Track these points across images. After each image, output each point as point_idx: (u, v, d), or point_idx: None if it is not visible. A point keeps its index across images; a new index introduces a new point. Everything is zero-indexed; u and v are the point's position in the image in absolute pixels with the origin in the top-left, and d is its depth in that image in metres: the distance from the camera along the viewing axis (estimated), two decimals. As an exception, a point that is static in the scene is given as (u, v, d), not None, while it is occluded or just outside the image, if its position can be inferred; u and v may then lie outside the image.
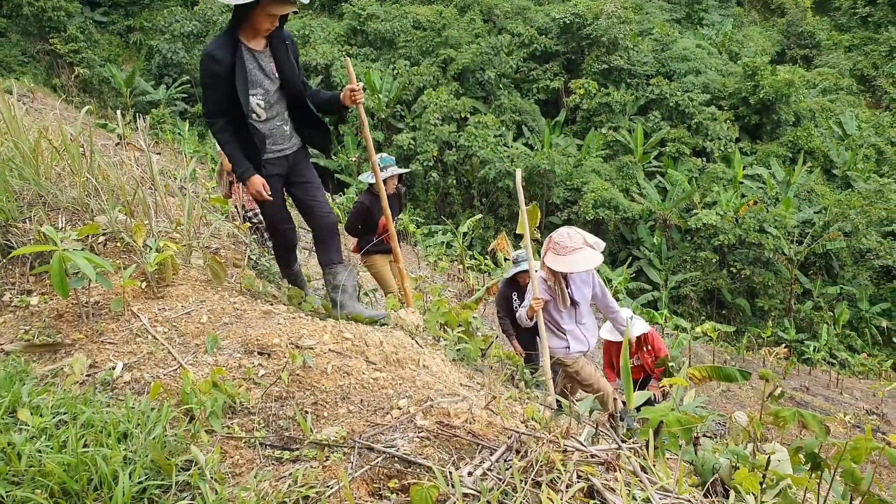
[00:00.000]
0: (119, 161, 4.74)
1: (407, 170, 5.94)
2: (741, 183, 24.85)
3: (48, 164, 3.72)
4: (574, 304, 4.64)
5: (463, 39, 28.41)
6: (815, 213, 23.68)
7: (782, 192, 24.34)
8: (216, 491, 1.82)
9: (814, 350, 19.60)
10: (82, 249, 2.66)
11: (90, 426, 1.99)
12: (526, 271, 5.77)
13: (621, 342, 5.74)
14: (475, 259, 17.72)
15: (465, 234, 17.47)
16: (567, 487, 1.90)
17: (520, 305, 6.00)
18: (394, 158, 5.85)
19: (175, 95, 32.07)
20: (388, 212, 4.13)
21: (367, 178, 5.73)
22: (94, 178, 3.68)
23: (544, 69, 28.49)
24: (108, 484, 1.79)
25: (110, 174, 3.85)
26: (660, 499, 1.96)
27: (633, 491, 1.95)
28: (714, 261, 22.21)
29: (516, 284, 6.06)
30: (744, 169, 25.38)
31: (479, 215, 21.63)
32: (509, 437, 2.19)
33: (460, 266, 16.99)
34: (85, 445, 1.91)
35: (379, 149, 25.75)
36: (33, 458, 1.82)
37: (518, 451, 2.09)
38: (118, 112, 5.79)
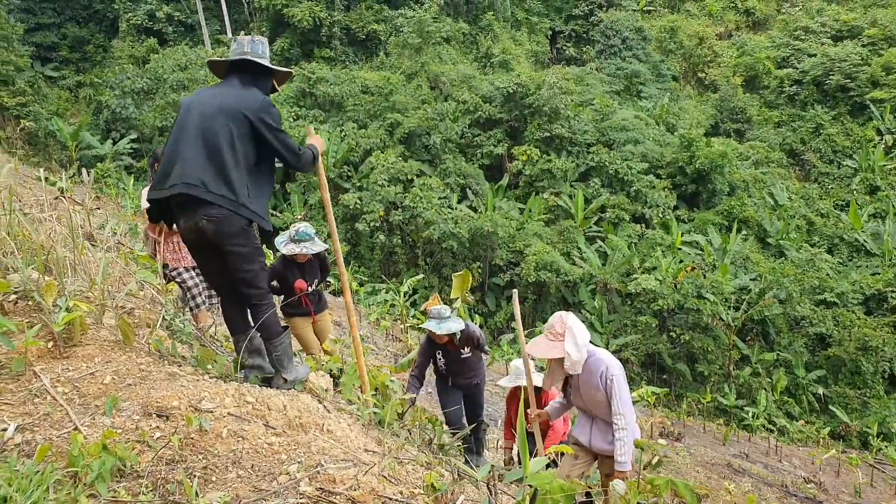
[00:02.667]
0: (56, 216, 4.73)
1: (323, 247, 5.79)
2: (679, 249, 25.53)
3: None
4: (577, 395, 4.26)
5: (410, 105, 29.05)
6: (750, 279, 24.35)
7: (719, 258, 25.06)
8: None
9: (753, 416, 19.77)
10: None
11: None
12: (445, 334, 5.68)
13: (519, 398, 5.66)
14: (417, 318, 17.57)
15: (407, 293, 17.37)
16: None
17: (444, 364, 5.95)
18: (311, 233, 5.77)
19: (122, 150, 31.72)
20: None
21: (281, 244, 5.78)
22: (11, 235, 3.66)
23: (488, 135, 29.24)
24: None
25: (31, 232, 3.81)
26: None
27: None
28: (654, 325, 22.50)
29: (438, 343, 5.86)
30: (682, 236, 26.13)
31: (422, 275, 21.62)
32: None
33: (402, 326, 16.83)
34: None
35: (322, 208, 25.71)
36: None
37: None
38: (65, 167, 5.63)
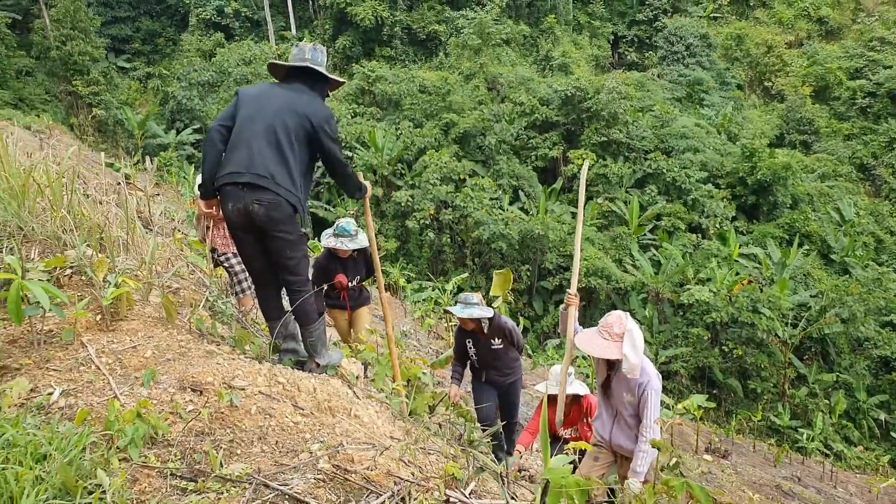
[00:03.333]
0: (116, 200, 4.96)
1: (363, 244, 5.81)
2: (736, 261, 24.80)
3: (33, 199, 3.89)
4: (607, 393, 4.23)
5: (466, 105, 29.11)
6: (811, 296, 23.48)
7: (778, 273, 24.22)
8: None
9: (808, 439, 19.02)
10: (47, 280, 2.81)
11: (14, 446, 2.07)
12: (468, 318, 5.58)
13: (555, 405, 5.52)
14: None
15: (452, 291, 17.37)
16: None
17: (475, 354, 5.83)
18: (352, 227, 5.84)
19: (185, 140, 32.75)
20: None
21: (324, 237, 5.94)
22: (71, 214, 3.83)
23: (544, 138, 29.04)
24: (16, 501, 1.88)
25: (89, 212, 3.99)
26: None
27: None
28: (706, 338, 21.92)
29: (468, 331, 5.79)
30: (739, 248, 25.37)
31: (467, 274, 21.60)
32: (396, 485, 2.32)
33: (445, 324, 16.83)
34: (4, 462, 2.00)
35: (377, 203, 26.00)
36: None
37: (403, 499, 2.21)
38: (131, 154, 5.88)
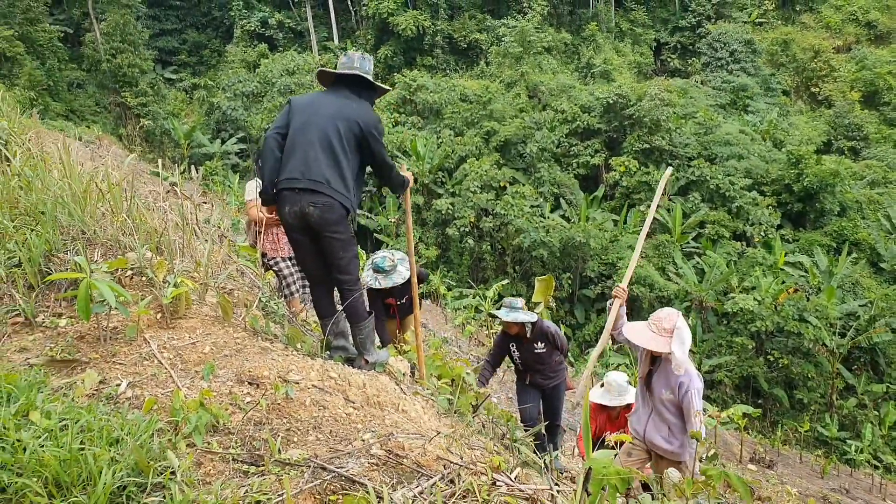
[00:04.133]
0: (166, 206, 5.16)
1: (407, 276, 5.88)
2: (782, 269, 24.29)
3: (94, 204, 4.13)
4: (649, 388, 4.26)
5: (507, 113, 29.20)
6: (860, 305, 22.84)
7: (825, 281, 23.64)
8: (184, 492, 2.07)
9: (856, 450, 18.53)
10: (110, 280, 2.99)
11: (88, 430, 2.26)
12: (512, 322, 5.67)
13: (608, 409, 5.55)
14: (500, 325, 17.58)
15: (493, 299, 17.43)
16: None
17: (518, 357, 5.93)
18: (387, 263, 5.87)
19: (230, 149, 33.49)
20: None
21: (368, 280, 5.95)
22: (130, 218, 4.08)
23: (586, 145, 28.92)
24: (94, 479, 2.04)
25: (147, 217, 4.25)
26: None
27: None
28: (750, 347, 21.50)
29: (511, 335, 5.89)
30: (785, 256, 24.84)
31: (507, 280, 21.62)
32: (445, 468, 2.40)
33: (486, 331, 16.89)
34: (81, 445, 2.17)
35: (418, 211, 26.21)
36: (35, 452, 2.10)
37: (452, 481, 2.29)
38: (177, 163, 6.18)
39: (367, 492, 2.14)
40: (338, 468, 2.34)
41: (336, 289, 3.93)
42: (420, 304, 4.90)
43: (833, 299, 22.15)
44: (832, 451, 18.98)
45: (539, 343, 5.82)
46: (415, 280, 4.63)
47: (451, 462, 2.46)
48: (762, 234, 25.94)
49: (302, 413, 2.76)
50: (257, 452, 2.43)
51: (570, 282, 23.92)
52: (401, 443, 2.57)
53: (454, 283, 23.52)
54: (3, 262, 3.43)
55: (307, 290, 6.08)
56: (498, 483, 2.31)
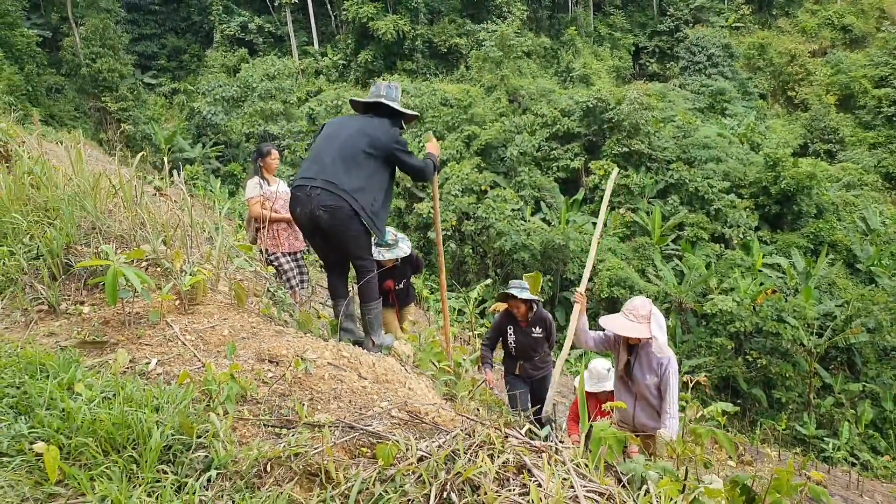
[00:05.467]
0: (157, 206, 5.40)
1: (407, 251, 6.09)
2: (760, 271, 24.71)
3: (103, 200, 4.37)
4: (630, 376, 4.40)
5: (488, 117, 29.43)
6: (836, 306, 23.31)
7: (802, 282, 24.10)
8: (227, 450, 2.28)
9: (834, 448, 18.90)
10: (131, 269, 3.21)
11: (131, 399, 2.48)
12: (517, 298, 5.87)
13: (596, 396, 5.72)
14: (485, 327, 17.74)
15: (476, 300, 17.55)
16: (501, 458, 2.29)
17: (514, 342, 6.07)
18: (389, 237, 5.97)
19: (210, 154, 33.33)
20: None
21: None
22: (144, 212, 4.32)
23: (566, 149, 29.23)
24: (143, 439, 2.29)
25: (154, 212, 4.50)
26: (580, 482, 2.23)
27: (556, 470, 2.24)
28: (730, 348, 21.84)
29: (511, 316, 6.05)
30: (763, 257, 25.28)
31: (489, 280, 21.79)
32: (462, 423, 2.66)
33: (470, 333, 17.01)
34: (127, 411, 2.40)
35: (399, 215, 26.29)
36: (87, 417, 2.33)
37: (469, 434, 2.48)
38: (158, 168, 6.33)
39: (395, 443, 2.32)
40: (365, 426, 2.56)
41: (353, 270, 4.25)
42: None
43: (810, 300, 22.59)
44: (810, 450, 19.34)
45: (537, 328, 6.02)
46: (441, 261, 4.92)
47: (469, 418, 2.72)
48: (740, 236, 26.40)
49: (322, 386, 2.98)
50: (286, 418, 2.64)
51: (550, 284, 24.13)
52: (417, 408, 2.80)
53: (436, 286, 23.63)
54: (23, 255, 3.60)
55: (306, 284, 6.26)
56: (509, 436, 2.50)
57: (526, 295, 5.86)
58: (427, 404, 2.90)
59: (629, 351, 4.41)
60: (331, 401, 2.89)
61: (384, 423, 2.65)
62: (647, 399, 4.34)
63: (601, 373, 5.68)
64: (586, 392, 5.75)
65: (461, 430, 2.47)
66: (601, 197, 27.93)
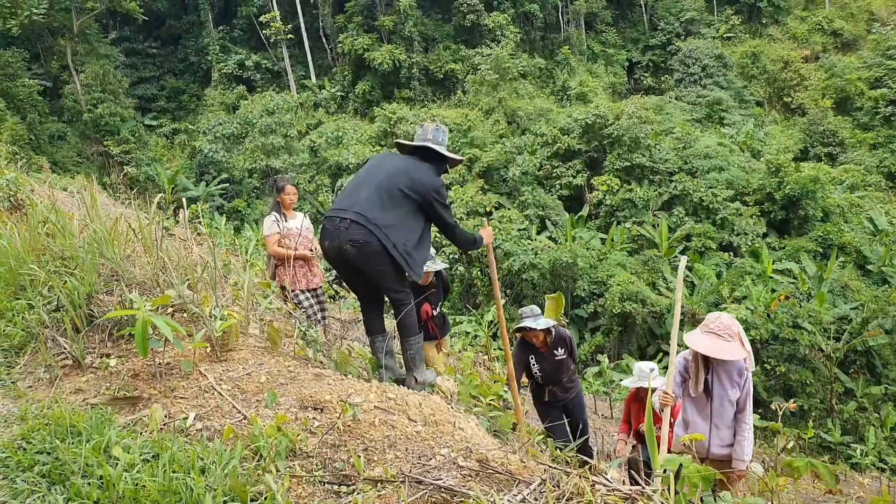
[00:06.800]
0: (176, 248, 5.29)
1: (443, 266, 6.06)
2: (771, 277, 24.54)
3: (122, 246, 4.23)
4: (709, 394, 4.13)
5: (488, 139, 29.57)
6: (851, 308, 23.06)
7: (815, 287, 23.88)
8: None
9: (861, 454, 18.56)
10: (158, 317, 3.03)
11: (174, 461, 2.33)
12: (531, 329, 5.66)
13: (641, 399, 5.54)
14: (500, 350, 17.57)
15: (491, 322, 17.43)
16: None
17: (539, 370, 5.82)
18: (433, 254, 5.91)
19: (213, 192, 33.45)
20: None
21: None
22: (165, 256, 4.15)
23: (567, 167, 29.27)
24: None
25: (174, 255, 4.32)
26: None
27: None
28: (747, 356, 21.56)
29: (530, 346, 5.82)
30: (773, 264, 25.11)
31: (502, 302, 21.67)
32: (544, 472, 2.47)
33: (485, 356, 16.85)
34: (173, 474, 2.27)
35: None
36: (129, 485, 2.18)
37: (557, 484, 2.35)
38: (163, 209, 6.17)
39: (471, 501, 2.17)
40: (435, 479, 2.38)
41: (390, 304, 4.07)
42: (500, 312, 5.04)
43: (825, 304, 22.35)
44: (837, 457, 19.01)
45: (559, 349, 5.83)
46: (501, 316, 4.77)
47: (548, 465, 2.55)
48: (748, 243, 26.27)
49: (373, 433, 2.82)
50: (342, 473, 2.47)
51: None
52: (483, 454, 2.62)
53: (447, 311, 23.49)
54: (43, 307, 3.45)
55: (327, 321, 6.16)
56: (596, 484, 2.37)
57: (542, 324, 5.67)
58: (492, 449, 2.73)
59: (707, 369, 4.12)
60: (386, 450, 2.71)
61: (452, 474, 2.48)
62: (723, 417, 4.09)
63: (644, 371, 5.55)
64: (633, 397, 5.69)
65: (544, 480, 2.31)
66: (606, 212, 28.16)
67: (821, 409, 21.39)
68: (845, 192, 29.88)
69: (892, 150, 34.00)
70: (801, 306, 22.16)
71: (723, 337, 3.92)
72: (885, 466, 18.26)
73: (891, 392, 21.56)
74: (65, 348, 3.30)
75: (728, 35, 42.72)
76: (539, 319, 5.70)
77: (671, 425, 4.75)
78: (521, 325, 5.73)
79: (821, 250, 26.30)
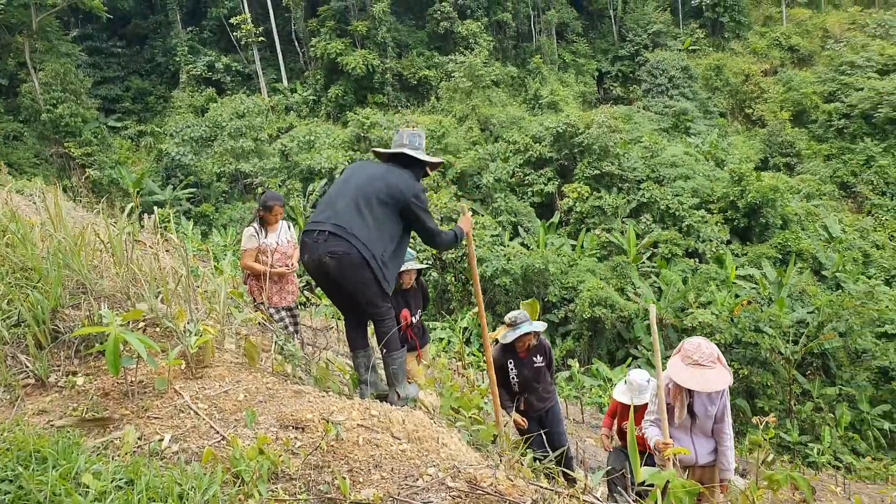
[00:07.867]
0: (160, 255, 5.02)
1: (424, 265, 5.95)
2: (734, 283, 25.09)
3: (90, 256, 3.99)
4: (693, 416, 4.11)
5: (461, 146, 29.70)
6: (808, 313, 23.67)
7: (775, 292, 24.48)
8: None
9: (818, 453, 19.06)
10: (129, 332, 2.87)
11: (150, 488, 2.17)
12: (527, 334, 5.50)
13: (629, 406, 5.41)
14: (474, 355, 17.65)
15: (465, 328, 17.44)
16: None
17: (516, 375, 5.64)
18: (413, 253, 5.74)
19: (180, 196, 32.92)
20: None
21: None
22: (135, 267, 3.93)
23: (539, 174, 29.58)
24: None
25: (145, 266, 4.09)
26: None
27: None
28: (711, 360, 21.95)
29: (512, 350, 5.65)
30: (736, 269, 25.69)
31: (475, 310, 21.79)
32: (535, 492, 2.40)
33: (459, 363, 16.86)
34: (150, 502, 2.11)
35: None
36: None
37: None
38: (154, 212, 5.87)
39: None
40: (423, 503, 2.29)
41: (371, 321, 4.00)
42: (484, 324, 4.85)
43: (784, 309, 22.93)
44: (796, 456, 19.47)
45: (538, 356, 5.72)
46: (482, 314, 4.63)
47: (539, 485, 2.47)
48: (713, 250, 26.82)
49: (357, 452, 2.72)
50: (327, 496, 2.34)
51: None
52: (472, 474, 2.54)
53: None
54: (2, 323, 3.24)
55: (300, 335, 6.07)
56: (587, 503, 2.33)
57: (538, 326, 5.58)
58: (478, 467, 2.64)
59: (689, 393, 4.03)
60: (371, 470, 2.61)
61: (441, 496, 2.38)
62: (704, 429, 4.11)
63: (641, 384, 5.46)
64: (628, 405, 5.48)
65: (536, 500, 2.26)
66: (576, 219, 28.49)
67: (780, 409, 21.90)
68: (802, 200, 30.80)
69: (844, 161, 35.32)
70: (762, 311, 22.69)
71: (707, 366, 3.87)
72: (840, 465, 18.78)
73: (845, 392, 22.19)
74: (27, 366, 3.12)
75: (693, 48, 43.71)
76: (525, 324, 5.57)
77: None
78: (521, 332, 5.51)
79: (780, 256, 27.00)
